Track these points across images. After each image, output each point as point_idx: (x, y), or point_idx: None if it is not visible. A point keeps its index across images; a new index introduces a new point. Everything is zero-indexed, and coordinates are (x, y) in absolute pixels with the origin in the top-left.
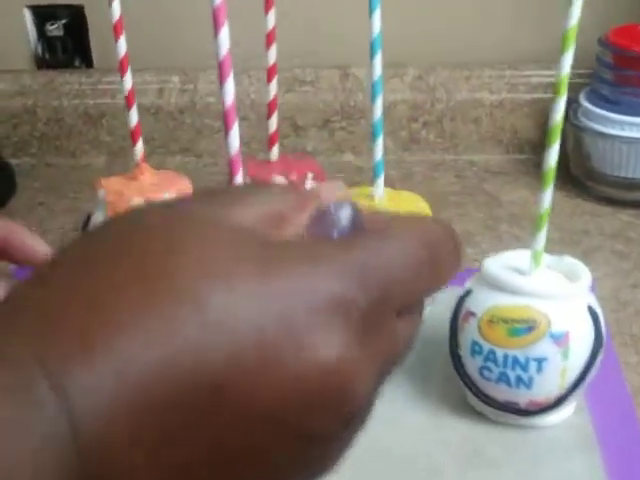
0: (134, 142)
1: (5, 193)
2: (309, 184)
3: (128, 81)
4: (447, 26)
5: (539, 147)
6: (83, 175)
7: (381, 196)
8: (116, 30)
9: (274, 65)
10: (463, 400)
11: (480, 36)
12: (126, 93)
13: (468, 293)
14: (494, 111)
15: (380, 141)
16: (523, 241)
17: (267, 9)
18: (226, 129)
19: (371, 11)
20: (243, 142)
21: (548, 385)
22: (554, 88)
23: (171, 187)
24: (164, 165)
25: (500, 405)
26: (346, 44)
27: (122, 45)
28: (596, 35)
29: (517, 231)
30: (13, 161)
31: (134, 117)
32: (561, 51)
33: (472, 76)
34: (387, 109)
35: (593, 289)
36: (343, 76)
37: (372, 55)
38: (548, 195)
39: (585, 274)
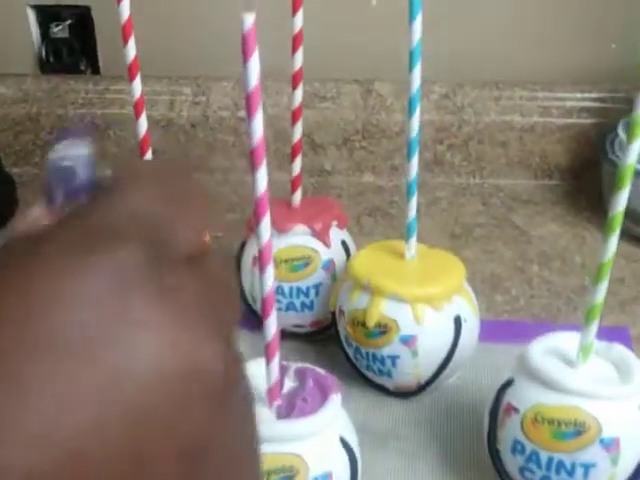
0: (142, 155)
1: (6, 208)
2: (332, 233)
3: (137, 88)
4: (478, 42)
5: (568, 173)
6: None
7: (413, 255)
8: (124, 32)
9: (298, 81)
10: None
11: (512, 54)
12: (135, 101)
13: (509, 384)
14: (524, 135)
15: (414, 197)
16: (554, 286)
17: (295, 10)
18: (253, 168)
19: (411, 19)
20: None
21: None
22: (630, 129)
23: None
24: None
25: None
26: (369, 57)
27: (131, 49)
28: None
29: (547, 274)
30: (15, 170)
31: (143, 127)
32: None
33: (502, 97)
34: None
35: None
36: (365, 92)
37: (411, 67)
38: (603, 287)
39: (637, 368)
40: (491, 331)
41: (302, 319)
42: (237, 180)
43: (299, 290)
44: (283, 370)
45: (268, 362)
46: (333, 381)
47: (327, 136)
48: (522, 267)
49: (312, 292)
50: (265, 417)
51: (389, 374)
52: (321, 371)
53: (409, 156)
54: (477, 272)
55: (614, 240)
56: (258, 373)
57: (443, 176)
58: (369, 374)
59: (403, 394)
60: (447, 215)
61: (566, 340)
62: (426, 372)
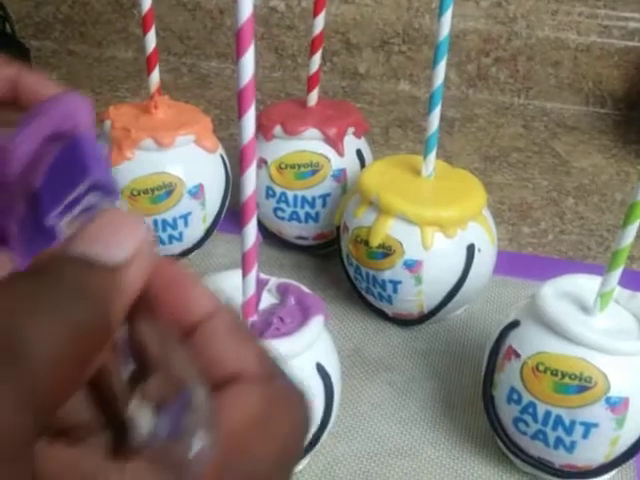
0: (149, 68)
1: None
2: (347, 140)
3: None
4: None
5: (623, 102)
6: (107, 70)
7: (430, 174)
8: None
9: None
10: (490, 437)
11: None
12: None
13: (514, 325)
14: (579, 55)
15: (437, 110)
16: (587, 223)
17: None
18: (237, 52)
19: None
20: (287, 54)
21: (593, 453)
22: None
23: (186, 126)
24: (197, 68)
25: (532, 460)
26: None
27: None
28: None
29: (582, 209)
30: (33, 43)
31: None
32: None
33: (559, 11)
34: (455, 38)
35: None
36: None
37: None
38: (633, 229)
39: None
40: (510, 264)
41: (306, 231)
42: (263, 75)
43: (304, 199)
44: (261, 284)
45: (244, 274)
46: (317, 301)
47: (364, 36)
48: (556, 199)
49: (318, 202)
50: None
51: (389, 300)
52: (305, 289)
53: (435, 62)
54: (506, 199)
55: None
56: (236, 285)
57: (486, 92)
58: (369, 297)
59: (403, 322)
60: (483, 135)
61: (586, 284)
62: (430, 301)
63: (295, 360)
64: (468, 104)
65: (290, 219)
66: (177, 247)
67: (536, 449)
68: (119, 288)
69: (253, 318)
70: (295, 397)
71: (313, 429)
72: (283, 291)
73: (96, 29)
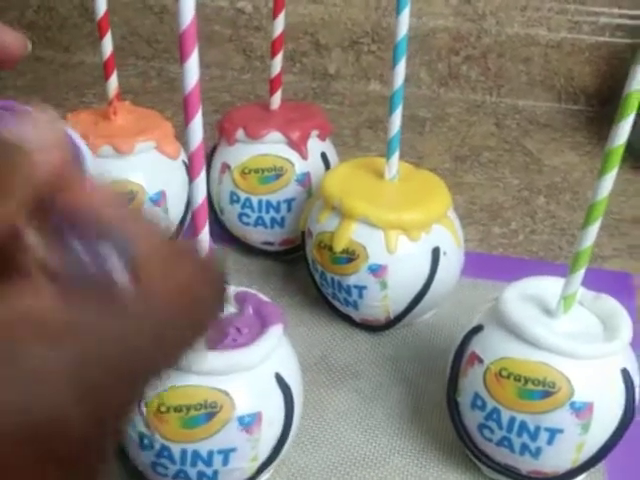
0: (107, 73)
1: None
2: (311, 143)
3: None
4: None
5: (596, 98)
6: (73, 75)
7: (394, 176)
8: None
9: None
10: (458, 444)
11: None
12: None
13: (477, 330)
14: (549, 52)
15: (399, 111)
16: (559, 222)
17: None
18: (182, 56)
19: None
20: (256, 56)
21: (559, 459)
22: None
23: (146, 132)
24: (165, 72)
25: (498, 467)
26: None
27: None
28: None
29: (554, 208)
30: None
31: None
32: None
33: (529, 7)
34: (425, 36)
35: (636, 337)
36: None
37: None
38: (593, 230)
39: (625, 326)
40: (479, 266)
41: (272, 236)
42: (232, 78)
43: (269, 204)
44: None
45: None
46: (275, 310)
47: (333, 37)
48: (527, 198)
49: (283, 207)
50: None
51: (355, 305)
52: (263, 297)
53: (395, 61)
54: (477, 199)
55: (611, 177)
56: None
57: (457, 91)
58: (335, 303)
59: (370, 328)
60: (454, 135)
61: (550, 286)
62: (396, 306)
63: (253, 371)
64: (439, 103)
65: (256, 224)
66: None
67: (502, 456)
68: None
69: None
70: (206, 257)
71: (273, 442)
72: (241, 300)
73: (62, 34)
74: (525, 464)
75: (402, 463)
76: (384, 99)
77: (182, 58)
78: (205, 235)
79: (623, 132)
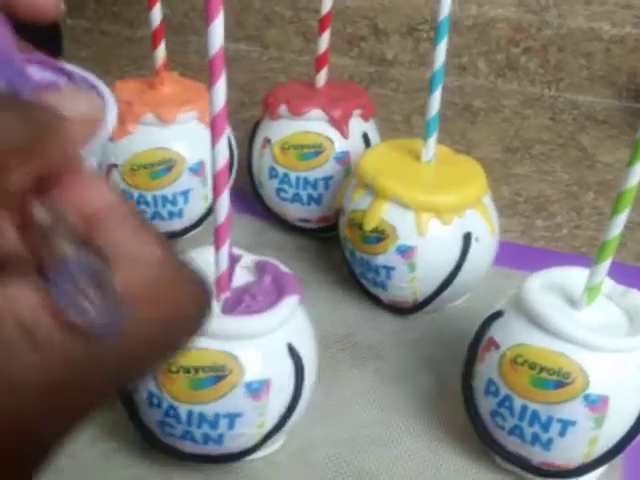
0: (155, 43)
1: (46, 51)
2: (353, 123)
3: None
4: None
5: None
6: (135, 49)
7: (431, 159)
8: None
9: None
10: (472, 431)
11: None
12: None
13: (497, 316)
14: (612, 47)
15: (438, 92)
16: (605, 219)
17: None
18: (211, 79)
19: None
20: (315, 38)
21: (570, 452)
22: None
23: (190, 103)
24: (226, 51)
25: (509, 456)
26: None
27: None
28: None
29: (602, 205)
30: (68, 22)
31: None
32: None
33: (593, 0)
34: (485, 26)
35: None
36: None
37: None
38: (621, 219)
39: None
40: (518, 257)
41: (309, 213)
42: (290, 59)
43: (306, 181)
44: (234, 260)
45: (217, 249)
46: (293, 281)
47: (391, 22)
48: (576, 193)
49: (321, 185)
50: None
51: (383, 285)
52: (283, 268)
53: (437, 39)
54: (523, 191)
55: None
56: (209, 260)
57: (515, 82)
58: (364, 282)
59: (398, 310)
60: (508, 125)
61: (577, 276)
62: (424, 289)
63: (265, 339)
64: (496, 94)
65: (292, 201)
66: (177, 224)
67: (513, 445)
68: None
69: (226, 294)
70: (193, 279)
71: (281, 411)
72: (261, 269)
73: (128, 9)
74: (536, 455)
75: (414, 446)
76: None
77: (208, 20)
78: (224, 200)
79: None
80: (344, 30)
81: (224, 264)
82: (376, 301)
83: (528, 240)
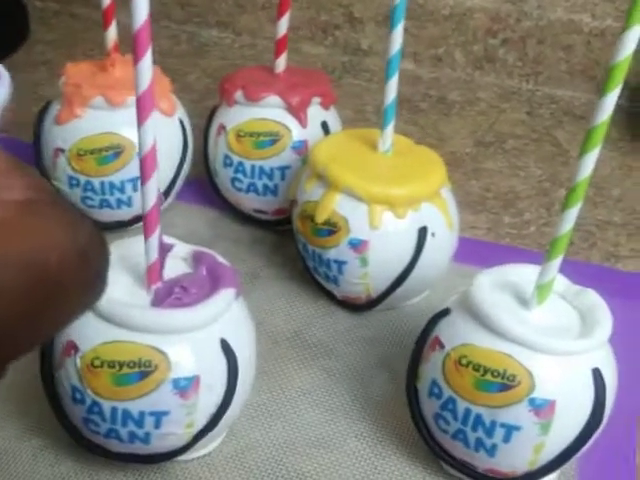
0: (106, 23)
1: (13, 40)
2: (313, 111)
3: None
4: None
5: (639, 93)
6: (103, 33)
7: (388, 149)
8: None
9: None
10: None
11: None
12: None
13: (444, 314)
14: (593, 40)
15: (395, 79)
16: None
17: None
18: (135, 55)
19: None
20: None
21: (515, 459)
22: None
23: None
24: (197, 36)
25: (454, 462)
26: None
27: None
28: None
29: None
30: (37, 4)
31: None
32: None
33: None
34: (462, 16)
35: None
36: None
37: None
38: (572, 214)
39: (604, 323)
40: (479, 254)
41: (264, 204)
42: (263, 45)
43: (262, 170)
44: (165, 249)
45: (146, 237)
46: (230, 273)
47: (367, 11)
48: (547, 189)
49: (277, 175)
50: (139, 301)
51: (335, 281)
52: (220, 259)
53: (393, 22)
54: (493, 186)
55: (594, 154)
56: (142, 251)
57: (492, 75)
58: (317, 277)
59: (351, 306)
60: (483, 119)
61: (530, 274)
62: (377, 285)
63: (195, 333)
64: (473, 87)
65: (248, 191)
66: (126, 213)
67: (458, 451)
68: None
69: (157, 285)
70: (65, 216)
71: (211, 410)
72: (197, 259)
73: None
74: (481, 461)
75: (357, 448)
76: (416, 78)
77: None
78: (152, 185)
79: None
80: (318, 18)
81: (154, 254)
82: (330, 297)
83: (494, 237)
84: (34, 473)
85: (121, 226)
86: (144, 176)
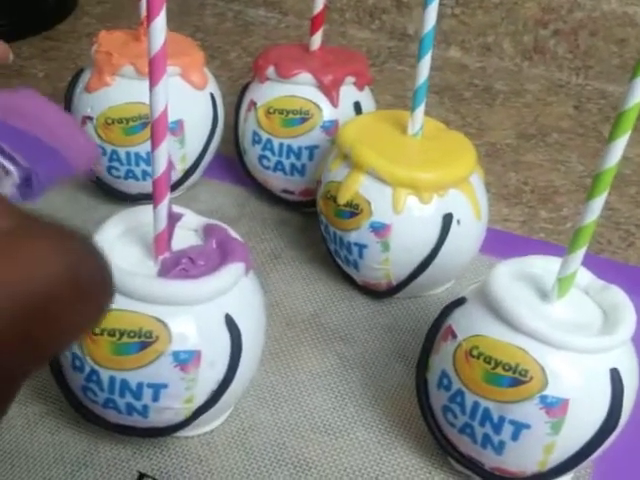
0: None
1: (60, 10)
2: (345, 90)
3: None
4: None
5: None
6: None
7: (417, 132)
8: None
9: None
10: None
11: None
12: None
13: (459, 303)
14: None
15: (427, 58)
16: (615, 215)
17: None
18: (148, 16)
19: None
20: (335, 7)
21: (524, 458)
22: None
23: (173, 57)
24: (242, 15)
25: (461, 458)
26: None
27: None
28: None
29: (615, 199)
30: None
31: None
32: None
33: None
34: (513, 4)
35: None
36: None
37: None
38: (598, 203)
39: (628, 322)
40: (510, 247)
41: (291, 184)
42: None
43: (290, 149)
44: (174, 218)
45: (155, 205)
46: (240, 248)
47: None
48: (588, 186)
49: (305, 154)
50: (146, 271)
51: (355, 265)
52: (232, 234)
53: (426, 2)
54: (531, 180)
55: (622, 142)
56: (151, 221)
57: (541, 67)
58: (338, 261)
59: (372, 292)
60: (528, 111)
61: (554, 267)
62: (399, 272)
63: (199, 307)
64: (520, 78)
65: (275, 169)
66: (150, 185)
67: (465, 446)
68: None
69: (164, 255)
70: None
71: (212, 386)
72: (208, 232)
73: None
74: (488, 459)
75: (364, 437)
76: (462, 67)
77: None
78: (163, 151)
79: None
80: (365, 1)
81: (162, 222)
82: (350, 282)
83: (528, 231)
84: (33, 440)
85: (146, 198)
86: (154, 141)
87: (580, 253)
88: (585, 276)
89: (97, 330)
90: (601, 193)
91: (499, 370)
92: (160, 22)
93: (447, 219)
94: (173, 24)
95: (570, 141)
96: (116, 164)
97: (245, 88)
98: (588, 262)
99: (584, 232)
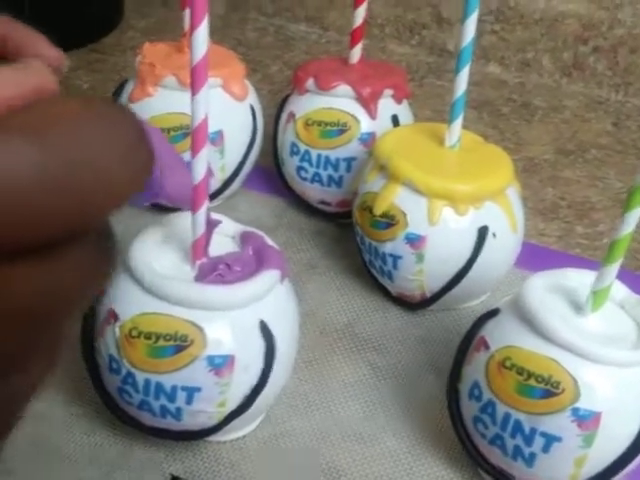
0: (183, 5)
1: (106, 24)
2: (384, 103)
3: None
4: None
5: None
6: None
7: (454, 144)
8: None
9: None
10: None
11: None
12: None
13: (493, 314)
14: None
15: (465, 71)
16: None
17: None
18: (192, 23)
19: None
20: (375, 23)
21: (555, 471)
22: None
23: (214, 69)
24: (284, 30)
25: (492, 469)
26: None
27: None
28: None
29: None
30: None
31: None
32: None
33: None
34: (553, 21)
35: None
36: None
37: None
38: (634, 216)
39: None
40: (544, 260)
41: (328, 195)
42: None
43: (327, 160)
44: (212, 224)
45: (194, 211)
46: (276, 255)
47: (455, 11)
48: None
49: (342, 165)
50: (183, 276)
51: (390, 276)
52: (268, 241)
53: (465, 15)
54: (568, 195)
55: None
56: (188, 227)
57: (580, 83)
58: (373, 271)
59: (405, 304)
60: (566, 127)
61: (589, 281)
62: (433, 283)
63: (234, 312)
64: (558, 94)
65: (312, 181)
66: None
67: (495, 457)
68: None
69: (202, 261)
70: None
71: (245, 391)
72: (245, 240)
73: None
74: (519, 471)
75: (394, 446)
76: (500, 82)
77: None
78: (202, 158)
79: None
80: (405, 16)
81: (200, 228)
82: (385, 293)
83: (564, 246)
84: (68, 440)
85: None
86: (194, 148)
87: (615, 266)
88: (620, 290)
89: (135, 333)
90: (637, 206)
91: (531, 381)
92: (202, 31)
93: (482, 231)
94: (215, 38)
95: (608, 157)
96: None
97: (285, 100)
98: (624, 278)
99: (619, 245)
